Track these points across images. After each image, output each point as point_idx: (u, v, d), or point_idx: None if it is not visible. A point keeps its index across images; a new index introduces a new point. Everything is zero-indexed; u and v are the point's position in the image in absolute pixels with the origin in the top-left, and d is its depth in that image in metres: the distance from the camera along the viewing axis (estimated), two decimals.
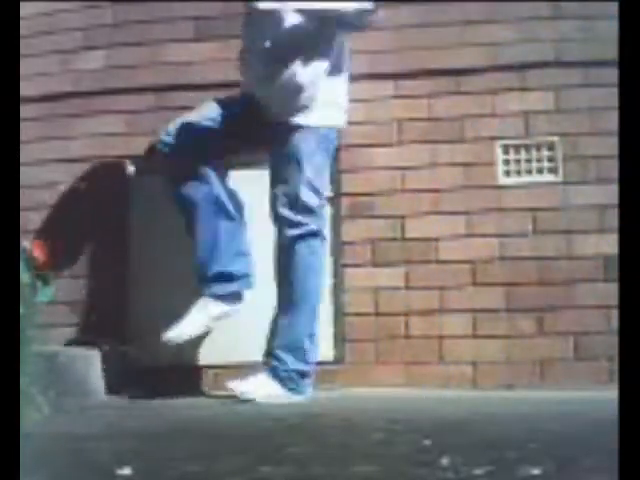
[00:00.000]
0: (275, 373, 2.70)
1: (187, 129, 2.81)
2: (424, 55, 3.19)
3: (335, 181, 3.16)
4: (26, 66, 3.04)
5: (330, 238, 3.17)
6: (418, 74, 3.18)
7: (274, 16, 2.70)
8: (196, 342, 3.16)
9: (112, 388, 2.98)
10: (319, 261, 2.80)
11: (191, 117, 2.86)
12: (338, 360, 3.08)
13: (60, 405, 2.25)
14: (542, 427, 1.88)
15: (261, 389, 2.66)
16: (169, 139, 2.82)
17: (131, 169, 3.32)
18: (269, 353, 2.76)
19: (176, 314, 3.24)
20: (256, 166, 3.16)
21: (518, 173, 3.11)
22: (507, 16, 3.19)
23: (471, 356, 2.97)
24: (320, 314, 2.82)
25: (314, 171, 2.74)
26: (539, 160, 3.14)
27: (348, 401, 2.80)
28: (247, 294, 3.16)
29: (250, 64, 2.85)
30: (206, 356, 3.13)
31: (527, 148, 3.15)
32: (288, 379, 2.70)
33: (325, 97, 2.77)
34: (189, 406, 2.50)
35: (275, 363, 2.71)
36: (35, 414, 2.09)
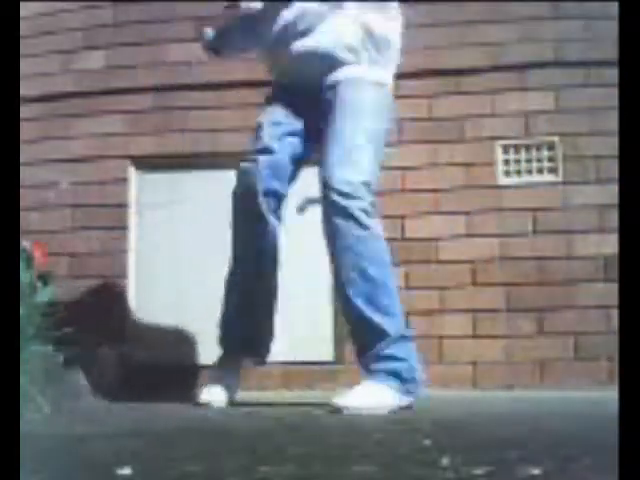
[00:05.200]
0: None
1: None
2: (424, 55, 3.20)
3: None
4: (26, 66, 3.05)
5: None
6: (418, 74, 3.18)
7: None
8: (196, 342, 3.16)
9: (112, 388, 2.97)
10: None
11: None
12: (338, 360, 3.08)
13: (60, 405, 2.25)
14: (542, 427, 1.88)
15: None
16: None
17: (131, 169, 3.32)
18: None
19: (176, 314, 3.24)
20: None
21: (518, 173, 3.11)
22: (507, 16, 3.20)
23: (471, 356, 2.96)
24: (320, 314, 2.81)
25: None
26: (539, 160, 3.14)
27: None
28: None
29: None
30: (206, 356, 3.13)
31: (527, 148, 3.15)
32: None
33: None
34: (189, 406, 2.50)
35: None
36: (35, 414, 2.08)
